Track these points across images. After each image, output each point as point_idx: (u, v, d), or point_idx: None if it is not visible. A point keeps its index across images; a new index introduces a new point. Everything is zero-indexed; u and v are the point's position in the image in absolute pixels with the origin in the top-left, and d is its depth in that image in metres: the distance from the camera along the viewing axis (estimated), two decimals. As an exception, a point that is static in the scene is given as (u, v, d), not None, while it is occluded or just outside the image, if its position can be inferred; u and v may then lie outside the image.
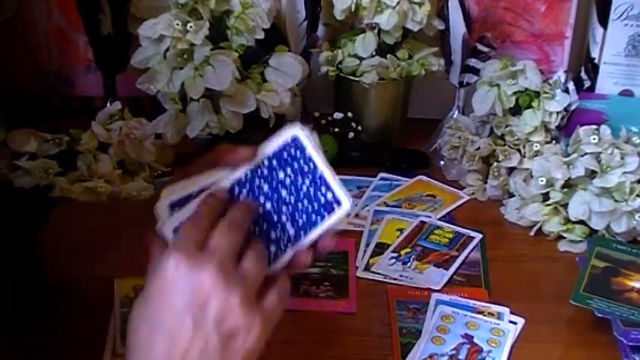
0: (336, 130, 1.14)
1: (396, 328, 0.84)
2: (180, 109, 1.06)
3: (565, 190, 1.00)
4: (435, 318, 0.85)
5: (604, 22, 1.10)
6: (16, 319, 0.82)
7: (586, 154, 0.99)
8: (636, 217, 0.96)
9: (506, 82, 1.05)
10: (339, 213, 0.64)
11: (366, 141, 1.17)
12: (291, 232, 0.64)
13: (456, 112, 1.15)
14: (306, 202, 0.64)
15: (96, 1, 1.07)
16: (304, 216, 0.64)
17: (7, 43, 1.17)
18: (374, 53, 1.12)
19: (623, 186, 0.97)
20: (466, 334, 0.83)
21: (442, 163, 1.14)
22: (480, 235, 0.99)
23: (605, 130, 1.01)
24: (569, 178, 0.99)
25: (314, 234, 0.64)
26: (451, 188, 1.10)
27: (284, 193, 0.64)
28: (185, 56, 1.03)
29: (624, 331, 0.81)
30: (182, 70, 1.04)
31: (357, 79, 1.13)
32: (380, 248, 0.96)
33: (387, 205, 1.05)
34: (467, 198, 1.08)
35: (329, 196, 0.65)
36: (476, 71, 1.10)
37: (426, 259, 0.95)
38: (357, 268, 0.93)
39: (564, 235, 1.00)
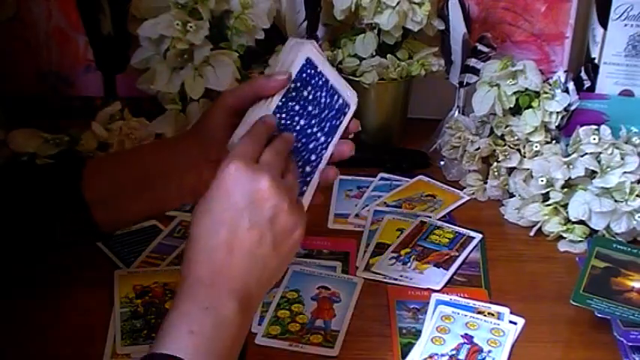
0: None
1: (396, 328, 0.84)
2: (180, 109, 1.06)
3: (565, 190, 1.00)
4: (435, 318, 0.85)
5: (604, 22, 1.10)
6: (17, 321, 0.82)
7: (586, 154, 0.99)
8: (636, 217, 0.96)
9: (506, 82, 1.05)
10: (349, 114, 0.78)
11: (366, 141, 1.17)
12: (322, 139, 0.76)
13: (456, 112, 1.15)
14: (326, 111, 0.77)
15: (96, 1, 1.07)
16: (327, 123, 0.76)
17: (7, 43, 1.17)
18: (374, 53, 1.12)
19: (623, 186, 0.97)
20: (466, 334, 0.83)
21: (442, 163, 1.14)
22: (480, 235, 0.99)
23: (605, 130, 1.01)
24: (569, 178, 0.99)
25: (337, 137, 0.77)
26: (451, 188, 1.10)
27: (310, 107, 0.75)
28: (185, 56, 1.03)
29: (624, 331, 0.81)
30: (182, 70, 1.04)
31: (357, 79, 1.13)
32: (380, 248, 0.96)
33: (387, 206, 1.05)
34: (467, 198, 1.08)
35: (340, 101, 0.77)
36: (476, 71, 1.10)
37: (426, 259, 0.95)
38: (357, 268, 0.93)
39: (564, 235, 1.00)
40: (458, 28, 1.11)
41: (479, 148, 1.07)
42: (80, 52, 1.19)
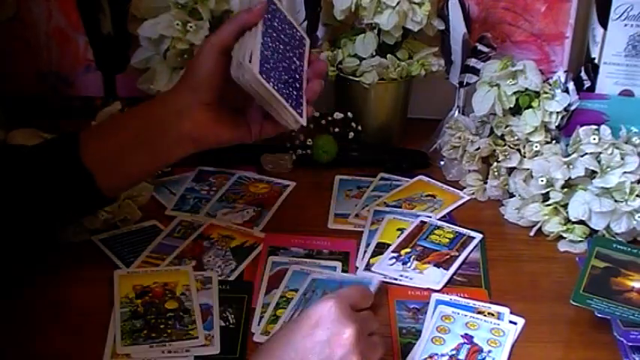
0: (336, 130, 1.14)
1: (396, 328, 0.84)
2: (180, 109, 1.06)
3: (565, 190, 1.00)
4: (435, 318, 0.85)
5: (604, 22, 1.10)
6: (17, 321, 0.82)
7: (586, 154, 0.99)
8: (636, 217, 0.96)
9: (506, 82, 1.05)
10: (308, 44, 0.89)
11: (366, 141, 1.17)
12: (297, 62, 0.85)
13: (456, 112, 1.15)
14: (292, 40, 0.86)
15: (96, 1, 1.07)
16: (297, 50, 0.86)
17: (7, 43, 1.17)
18: (374, 53, 1.12)
19: (623, 186, 0.97)
20: (466, 334, 0.83)
21: (442, 163, 1.14)
22: (480, 235, 0.99)
23: (605, 130, 1.01)
24: (569, 178, 0.99)
25: (306, 62, 0.86)
26: (451, 188, 1.10)
27: (282, 36, 0.84)
28: (185, 56, 1.03)
29: (624, 331, 0.81)
30: (182, 70, 1.04)
31: (357, 79, 1.13)
32: (380, 248, 0.96)
33: (387, 206, 1.05)
34: (467, 198, 1.08)
35: (299, 34, 0.88)
36: (476, 71, 1.10)
37: (426, 259, 0.95)
38: (357, 268, 0.93)
39: (564, 235, 1.00)
40: (458, 28, 1.11)
41: (479, 148, 1.07)
42: (80, 52, 1.19)
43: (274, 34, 0.83)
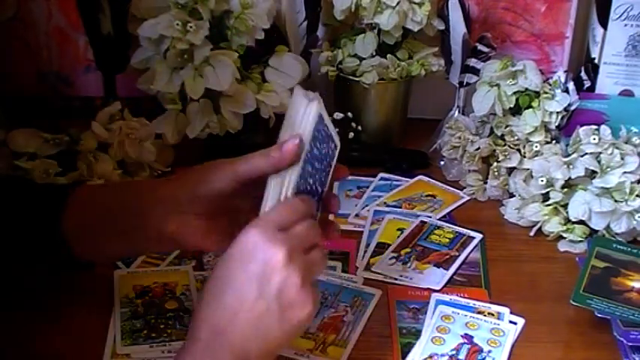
0: (336, 130, 1.14)
1: (396, 328, 0.84)
2: (180, 109, 1.06)
3: (565, 190, 1.00)
4: (435, 318, 0.85)
5: (604, 22, 1.10)
6: (17, 321, 0.82)
7: (586, 154, 0.99)
8: (636, 217, 0.96)
9: (506, 82, 1.05)
10: (337, 152, 0.75)
11: (366, 141, 1.17)
12: (319, 189, 0.74)
13: (456, 112, 1.15)
14: (324, 161, 0.74)
15: (96, 1, 1.07)
16: (323, 173, 0.74)
17: (7, 43, 1.17)
18: (374, 53, 1.12)
19: (623, 186, 0.97)
20: (466, 334, 0.83)
21: (442, 163, 1.14)
22: (480, 235, 0.99)
23: (605, 130, 1.01)
24: (569, 178, 0.99)
25: (328, 183, 0.75)
26: (451, 188, 1.10)
27: (317, 164, 0.72)
28: (185, 56, 1.03)
29: (624, 331, 0.81)
30: (182, 70, 1.04)
31: (357, 79, 1.13)
32: (380, 248, 0.96)
33: (387, 206, 1.05)
34: (467, 198, 1.08)
35: (332, 145, 0.75)
36: (476, 71, 1.10)
37: (426, 259, 0.95)
38: (357, 268, 0.93)
39: (564, 235, 1.00)
40: (458, 28, 1.11)
41: (479, 148, 1.07)
42: (80, 52, 1.19)
43: (309, 168, 0.71)
